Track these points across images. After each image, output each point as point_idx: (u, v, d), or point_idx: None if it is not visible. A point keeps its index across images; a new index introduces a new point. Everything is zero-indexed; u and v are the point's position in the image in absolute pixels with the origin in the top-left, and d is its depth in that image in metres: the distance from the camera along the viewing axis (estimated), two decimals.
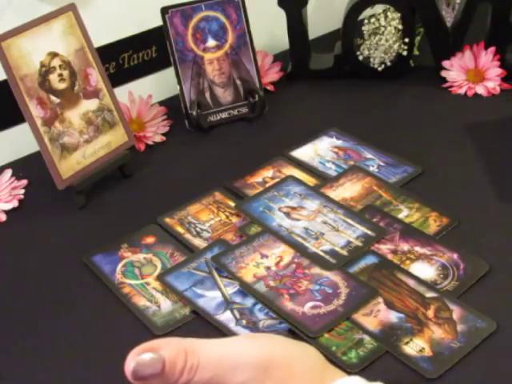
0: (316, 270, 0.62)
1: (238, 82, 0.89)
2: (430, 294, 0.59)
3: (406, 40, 0.93)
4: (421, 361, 0.53)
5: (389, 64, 0.95)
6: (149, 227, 0.71)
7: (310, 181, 0.76)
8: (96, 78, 0.77)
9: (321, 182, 0.76)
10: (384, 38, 0.93)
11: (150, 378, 0.39)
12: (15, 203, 0.77)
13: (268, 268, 0.63)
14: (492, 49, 0.91)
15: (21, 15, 0.76)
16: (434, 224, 0.68)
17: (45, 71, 0.72)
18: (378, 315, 0.57)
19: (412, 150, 0.80)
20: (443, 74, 0.94)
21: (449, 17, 1.02)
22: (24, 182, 0.80)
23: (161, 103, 0.91)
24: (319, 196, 0.72)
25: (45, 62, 0.72)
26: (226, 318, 0.59)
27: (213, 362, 0.40)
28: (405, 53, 0.94)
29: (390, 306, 0.58)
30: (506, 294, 0.59)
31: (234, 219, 0.71)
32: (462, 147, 0.80)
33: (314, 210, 0.70)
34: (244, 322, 0.58)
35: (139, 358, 0.40)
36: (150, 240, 0.69)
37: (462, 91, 0.91)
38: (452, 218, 0.68)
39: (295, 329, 0.57)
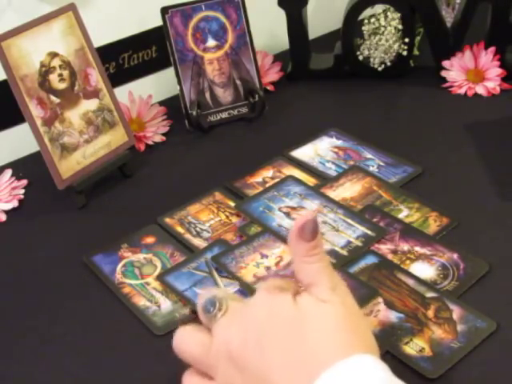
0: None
1: (238, 82, 0.89)
2: (430, 294, 0.59)
3: (406, 40, 0.93)
4: (421, 361, 0.53)
5: (389, 64, 0.95)
6: (149, 227, 0.71)
7: (310, 181, 0.76)
8: (96, 77, 0.77)
9: (321, 182, 0.76)
10: (384, 38, 0.93)
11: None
12: (15, 203, 0.77)
13: (268, 268, 0.63)
14: (492, 49, 0.91)
15: (21, 15, 0.76)
16: (433, 224, 0.68)
17: (45, 71, 0.72)
18: (377, 315, 0.57)
19: (412, 150, 0.80)
20: (443, 74, 0.94)
21: (449, 17, 1.02)
22: (24, 182, 0.80)
23: (161, 103, 0.91)
24: (319, 196, 0.72)
25: (45, 61, 0.72)
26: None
27: None
28: (405, 53, 0.94)
29: (390, 305, 0.58)
30: (506, 294, 0.59)
31: (234, 219, 0.71)
32: (461, 147, 0.80)
33: (313, 210, 0.70)
34: None
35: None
36: (149, 240, 0.69)
37: (462, 91, 0.91)
38: (452, 218, 0.68)
39: None
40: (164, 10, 0.85)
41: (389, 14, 0.93)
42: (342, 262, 0.63)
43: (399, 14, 0.92)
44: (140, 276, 0.65)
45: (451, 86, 0.93)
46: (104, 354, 0.57)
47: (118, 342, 0.58)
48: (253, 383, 0.43)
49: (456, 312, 0.57)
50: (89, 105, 0.76)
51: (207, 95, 0.88)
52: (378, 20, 0.93)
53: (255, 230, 0.69)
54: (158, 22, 0.86)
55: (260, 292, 0.46)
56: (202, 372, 0.47)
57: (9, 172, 0.80)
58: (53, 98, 0.73)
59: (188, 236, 0.69)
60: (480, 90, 0.91)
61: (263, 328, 0.43)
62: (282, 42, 0.99)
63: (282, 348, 0.42)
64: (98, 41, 0.82)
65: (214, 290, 0.49)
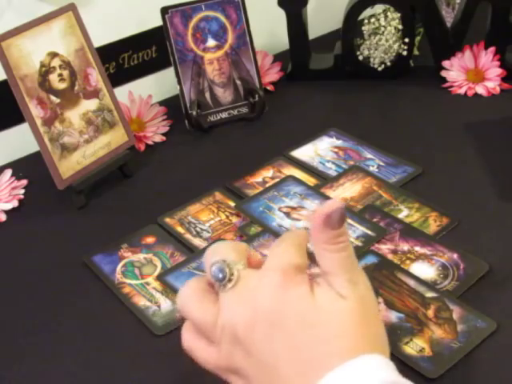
0: (316, 270, 0.62)
1: (238, 82, 0.89)
2: (429, 294, 0.59)
3: (406, 40, 0.93)
4: (421, 361, 0.53)
5: (389, 64, 0.95)
6: (149, 227, 0.71)
7: (310, 181, 0.76)
8: (96, 77, 0.77)
9: (321, 182, 0.76)
10: (384, 38, 0.93)
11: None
12: (15, 203, 0.77)
13: None
14: (492, 49, 0.91)
15: (21, 15, 0.76)
16: (433, 224, 0.68)
17: (45, 71, 0.72)
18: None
19: (412, 150, 0.80)
20: (443, 74, 0.94)
21: (449, 17, 1.02)
22: (24, 182, 0.80)
23: (161, 103, 0.91)
24: (319, 196, 0.72)
25: (45, 61, 0.72)
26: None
27: None
28: (405, 53, 0.94)
29: (390, 305, 0.58)
30: (506, 293, 0.59)
31: (234, 219, 0.71)
32: (462, 147, 0.80)
33: (314, 209, 0.70)
34: None
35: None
36: (149, 240, 0.69)
37: (462, 91, 0.91)
38: (452, 218, 0.68)
39: None
40: (164, 10, 0.85)
41: (389, 14, 0.93)
42: None
43: (399, 14, 0.92)
44: (140, 276, 0.65)
45: (451, 86, 0.93)
46: (104, 354, 0.57)
47: (118, 342, 0.58)
48: (258, 368, 0.42)
49: (456, 312, 0.57)
50: (89, 105, 0.76)
51: (207, 95, 0.88)
52: (378, 20, 0.93)
53: (255, 230, 0.69)
54: (158, 22, 0.86)
55: (276, 274, 0.42)
56: (200, 331, 0.45)
57: (9, 172, 0.80)
58: (53, 98, 0.73)
59: (188, 236, 0.69)
60: (480, 89, 0.91)
61: (275, 317, 0.41)
62: (282, 42, 0.99)
63: (292, 342, 0.41)
64: (98, 41, 0.82)
65: (226, 250, 0.45)
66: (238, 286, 0.43)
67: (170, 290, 0.62)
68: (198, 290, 0.45)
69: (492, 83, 0.91)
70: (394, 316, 0.57)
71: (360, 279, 0.43)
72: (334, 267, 0.43)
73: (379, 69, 0.95)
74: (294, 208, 0.71)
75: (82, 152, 0.75)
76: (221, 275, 0.43)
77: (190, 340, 0.46)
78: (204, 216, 0.72)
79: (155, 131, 0.87)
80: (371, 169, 0.77)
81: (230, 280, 0.43)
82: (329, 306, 0.42)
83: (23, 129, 0.75)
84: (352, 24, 0.94)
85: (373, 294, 0.43)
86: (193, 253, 0.67)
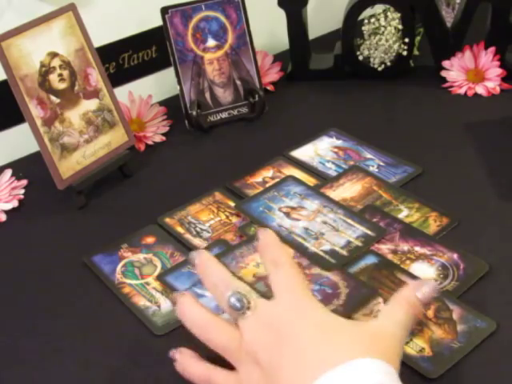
0: (316, 270, 0.62)
1: (238, 82, 0.89)
2: None
3: (406, 40, 0.93)
4: (421, 361, 0.53)
5: (389, 64, 0.95)
6: (149, 227, 0.71)
7: (310, 181, 0.76)
8: (96, 77, 0.77)
9: (321, 182, 0.76)
10: (384, 38, 0.93)
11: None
12: (15, 203, 0.77)
13: None
14: (492, 49, 0.91)
15: (21, 15, 0.76)
16: (433, 224, 0.68)
17: (45, 71, 0.72)
18: (378, 315, 0.57)
19: (412, 150, 0.80)
20: (443, 74, 0.94)
21: (449, 17, 1.02)
22: (24, 182, 0.80)
23: (161, 103, 0.91)
24: (319, 196, 0.72)
25: (45, 62, 0.72)
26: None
27: None
28: (405, 53, 0.94)
29: None
30: (506, 294, 0.59)
31: (234, 219, 0.71)
32: (462, 147, 0.80)
33: (313, 210, 0.70)
34: None
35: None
36: (149, 240, 0.69)
37: (461, 91, 0.91)
38: (452, 218, 0.68)
39: None
40: (164, 10, 0.85)
41: (389, 14, 0.93)
42: (342, 262, 0.63)
43: (399, 14, 0.92)
44: (140, 276, 0.65)
45: (451, 86, 0.93)
46: (104, 354, 0.57)
47: (118, 342, 0.58)
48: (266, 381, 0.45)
49: (456, 312, 0.57)
50: (89, 105, 0.76)
51: (207, 95, 0.88)
52: (378, 20, 0.93)
53: (255, 230, 0.69)
54: (158, 22, 0.86)
55: (290, 297, 0.49)
56: (223, 354, 0.49)
57: (9, 172, 0.80)
58: (53, 98, 0.73)
59: (188, 236, 0.69)
60: (480, 89, 0.91)
61: (290, 330, 0.46)
62: (282, 42, 0.99)
63: (298, 348, 0.44)
64: (98, 41, 0.82)
65: (234, 281, 0.50)
66: (257, 311, 0.48)
67: (170, 290, 0.62)
68: (219, 320, 0.50)
69: (492, 83, 0.91)
70: None
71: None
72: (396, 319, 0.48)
73: (379, 69, 0.95)
74: (293, 208, 0.71)
75: (82, 152, 0.75)
76: (239, 304, 0.48)
77: (200, 365, 0.51)
78: (204, 216, 0.72)
79: (155, 131, 0.87)
80: (371, 169, 0.77)
81: (248, 308, 0.48)
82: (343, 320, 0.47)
83: (23, 129, 0.75)
84: (352, 24, 0.94)
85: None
86: None
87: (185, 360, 0.51)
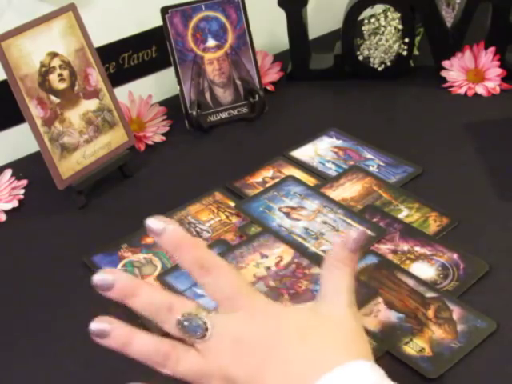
0: (316, 270, 0.62)
1: (238, 82, 0.89)
2: (429, 294, 0.59)
3: (406, 40, 0.93)
4: (421, 361, 0.53)
5: (389, 64, 0.95)
6: None
7: (310, 181, 0.76)
8: (96, 77, 0.77)
9: (321, 182, 0.76)
10: (384, 38, 0.93)
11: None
12: (15, 203, 0.77)
13: (268, 268, 0.63)
14: (492, 49, 0.91)
15: (21, 15, 0.76)
16: (433, 224, 0.68)
17: (45, 71, 0.72)
18: (377, 315, 0.57)
19: (412, 150, 0.80)
20: (443, 74, 0.94)
21: (449, 17, 1.02)
22: (24, 182, 0.80)
23: (161, 103, 0.91)
24: (319, 196, 0.72)
25: (45, 62, 0.72)
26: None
27: None
28: (405, 53, 0.94)
29: (390, 306, 0.58)
30: (506, 294, 0.59)
31: (234, 219, 0.71)
32: (462, 147, 0.80)
33: (313, 210, 0.70)
34: None
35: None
36: (150, 240, 0.69)
37: (461, 91, 0.91)
38: (452, 218, 0.68)
39: None
40: (164, 10, 0.85)
41: (389, 14, 0.93)
42: None
43: (399, 14, 0.92)
44: (140, 276, 0.65)
45: (451, 86, 0.93)
46: (104, 354, 0.57)
47: None
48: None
49: (456, 312, 0.57)
50: (89, 105, 0.76)
51: (207, 95, 0.88)
52: (378, 20, 0.93)
53: (255, 230, 0.69)
54: (158, 22, 0.86)
55: (242, 303, 0.44)
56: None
57: (9, 172, 0.80)
58: (53, 97, 0.73)
59: None
60: (480, 89, 0.91)
61: (268, 343, 0.42)
62: (282, 42, 0.99)
63: (283, 359, 0.42)
64: (98, 41, 0.82)
65: (185, 302, 0.44)
66: (217, 333, 0.43)
67: (170, 290, 0.62)
68: (181, 347, 0.44)
69: (492, 83, 0.91)
70: (393, 316, 0.57)
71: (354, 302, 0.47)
72: (338, 285, 0.46)
73: (379, 69, 0.95)
74: (293, 208, 0.71)
75: (82, 152, 0.75)
76: (199, 331, 0.43)
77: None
78: (204, 216, 0.72)
79: (155, 131, 0.87)
80: (371, 169, 0.77)
81: (206, 330, 0.43)
82: (328, 316, 0.45)
83: (23, 129, 0.75)
84: (352, 24, 0.94)
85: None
86: None
87: (122, 331, 0.44)
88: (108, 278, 0.43)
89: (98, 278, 0.43)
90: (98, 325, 0.43)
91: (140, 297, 0.44)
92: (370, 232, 0.66)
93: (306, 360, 0.41)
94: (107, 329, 0.43)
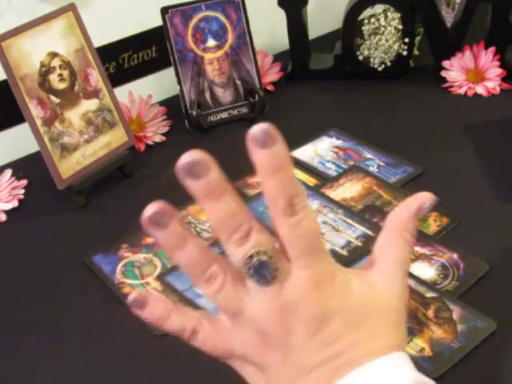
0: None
1: (238, 82, 0.89)
2: (429, 294, 0.59)
3: (406, 40, 0.93)
4: (421, 361, 0.53)
5: (389, 64, 0.95)
6: None
7: (310, 181, 0.76)
8: (96, 77, 0.77)
9: (321, 181, 0.76)
10: (384, 38, 0.93)
11: None
12: (15, 203, 0.77)
13: None
14: (492, 49, 0.91)
15: (21, 15, 0.76)
16: (433, 224, 0.68)
17: (45, 71, 0.72)
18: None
19: (412, 150, 0.80)
20: (443, 74, 0.94)
21: (449, 17, 1.02)
22: (24, 182, 0.80)
23: (161, 103, 0.91)
24: (319, 196, 0.72)
25: (45, 62, 0.72)
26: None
27: None
28: (405, 53, 0.94)
29: None
30: (506, 294, 0.59)
31: None
32: (461, 147, 0.80)
33: (313, 210, 0.70)
34: None
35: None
36: (150, 240, 0.69)
37: (462, 91, 0.91)
38: (452, 218, 0.68)
39: None
40: (164, 10, 0.85)
41: (389, 14, 0.93)
42: (342, 262, 0.63)
43: (399, 14, 0.92)
44: (140, 276, 0.65)
45: (451, 86, 0.93)
46: (104, 354, 0.57)
47: (118, 342, 0.58)
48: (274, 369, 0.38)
49: (456, 312, 0.57)
50: (89, 105, 0.76)
51: (207, 95, 0.88)
52: (378, 20, 0.93)
53: None
54: (158, 22, 0.86)
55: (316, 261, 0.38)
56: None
57: (9, 172, 0.80)
58: (53, 98, 0.73)
59: None
60: (480, 89, 0.91)
61: (321, 321, 0.37)
62: (282, 42, 0.99)
63: (331, 339, 0.38)
64: (98, 41, 0.82)
65: (256, 230, 0.38)
66: (278, 286, 0.37)
67: (170, 290, 0.62)
68: (222, 270, 0.38)
69: (492, 83, 0.91)
70: None
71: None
72: (399, 257, 0.42)
73: (379, 69, 0.95)
74: None
75: (82, 152, 0.75)
76: (268, 276, 0.37)
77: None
78: (204, 216, 0.72)
79: (155, 131, 0.87)
80: (371, 169, 0.77)
81: (274, 277, 0.37)
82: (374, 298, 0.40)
83: (23, 129, 0.75)
84: (352, 24, 0.94)
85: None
86: None
87: (159, 308, 0.41)
88: (200, 160, 0.40)
89: (187, 158, 0.39)
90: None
91: (223, 202, 0.39)
92: (370, 232, 0.66)
93: (353, 345, 0.38)
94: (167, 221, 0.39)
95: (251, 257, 0.37)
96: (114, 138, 0.78)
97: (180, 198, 0.75)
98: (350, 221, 0.68)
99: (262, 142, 0.39)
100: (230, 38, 0.88)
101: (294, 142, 0.83)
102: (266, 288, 0.37)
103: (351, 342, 0.38)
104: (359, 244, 0.65)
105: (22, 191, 0.79)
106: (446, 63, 0.94)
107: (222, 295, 0.38)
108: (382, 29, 0.93)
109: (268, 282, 0.36)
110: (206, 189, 0.39)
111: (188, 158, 0.38)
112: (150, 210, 0.38)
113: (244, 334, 0.39)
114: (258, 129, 0.38)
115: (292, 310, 0.37)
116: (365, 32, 0.95)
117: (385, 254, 0.42)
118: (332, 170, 0.77)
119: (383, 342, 0.39)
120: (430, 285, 0.60)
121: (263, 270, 0.36)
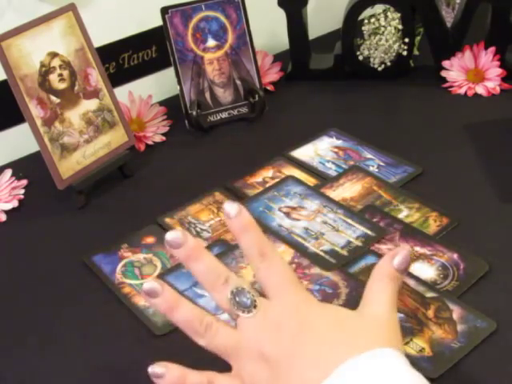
0: (316, 270, 0.62)
1: (238, 82, 0.89)
2: (429, 294, 0.59)
3: (406, 40, 0.93)
4: (421, 361, 0.53)
5: (389, 64, 0.95)
6: (149, 227, 0.71)
7: (310, 181, 0.76)
8: (96, 77, 0.77)
9: (321, 182, 0.76)
10: (384, 38, 0.93)
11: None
12: (15, 203, 0.77)
13: None
14: (492, 49, 0.91)
15: (21, 15, 0.76)
16: (433, 224, 0.68)
17: (45, 71, 0.72)
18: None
19: (412, 150, 0.80)
20: (443, 74, 0.94)
21: (449, 17, 1.02)
22: (24, 182, 0.80)
23: (161, 103, 0.91)
24: (319, 196, 0.72)
25: (45, 61, 0.72)
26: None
27: None
28: (405, 53, 0.94)
29: None
30: (506, 294, 0.59)
31: None
32: (462, 147, 0.80)
33: (313, 210, 0.70)
34: None
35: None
36: (149, 240, 0.69)
37: (462, 91, 0.91)
38: (452, 218, 0.68)
39: None
40: (164, 10, 0.85)
41: (389, 13, 0.93)
42: (342, 262, 0.63)
43: (399, 14, 0.92)
44: (140, 276, 0.65)
45: (451, 86, 0.93)
46: (104, 354, 0.57)
47: (118, 342, 0.58)
48: (279, 376, 0.44)
49: (456, 312, 0.57)
50: (89, 105, 0.76)
51: (207, 95, 0.88)
52: (378, 20, 0.93)
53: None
54: (158, 22, 0.86)
55: (289, 292, 0.47)
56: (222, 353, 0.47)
57: (9, 172, 0.80)
58: (53, 98, 0.73)
59: None
60: (480, 89, 0.91)
61: (307, 328, 0.44)
62: (282, 42, 0.99)
63: (317, 341, 0.44)
64: (98, 41, 0.82)
65: (234, 276, 0.47)
66: (260, 312, 0.46)
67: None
68: (221, 322, 0.47)
69: (492, 83, 0.91)
70: None
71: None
72: (380, 295, 0.47)
73: (379, 69, 0.95)
74: (293, 208, 0.71)
75: (82, 152, 0.75)
76: (248, 306, 0.46)
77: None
78: (204, 216, 0.72)
79: (155, 131, 0.87)
80: (371, 169, 0.77)
81: (255, 306, 0.46)
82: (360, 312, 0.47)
83: (23, 129, 0.75)
84: (352, 24, 0.94)
85: None
86: None
87: (176, 373, 0.46)
88: (179, 237, 0.46)
89: (171, 235, 0.46)
90: (151, 284, 0.46)
91: (202, 262, 0.47)
92: (370, 232, 0.66)
93: (338, 343, 0.43)
94: (158, 290, 0.46)
95: (232, 293, 0.46)
96: (114, 138, 0.78)
97: (180, 198, 0.76)
98: (349, 221, 0.68)
99: (229, 214, 0.47)
100: (230, 38, 0.88)
101: (294, 141, 0.83)
102: (252, 314, 0.45)
103: (335, 343, 0.43)
104: (359, 244, 0.65)
105: (22, 191, 0.79)
106: (445, 63, 0.94)
107: (218, 337, 0.46)
108: (382, 29, 0.93)
109: (250, 307, 0.45)
110: (186, 255, 0.47)
111: (169, 236, 0.46)
112: (145, 285, 0.47)
113: (248, 365, 0.45)
114: (229, 204, 0.48)
115: (278, 325, 0.45)
116: (365, 32, 0.95)
117: (366, 293, 0.48)
118: (332, 170, 0.78)
119: (365, 342, 0.43)
120: (429, 285, 0.60)
121: (242, 298, 0.46)
